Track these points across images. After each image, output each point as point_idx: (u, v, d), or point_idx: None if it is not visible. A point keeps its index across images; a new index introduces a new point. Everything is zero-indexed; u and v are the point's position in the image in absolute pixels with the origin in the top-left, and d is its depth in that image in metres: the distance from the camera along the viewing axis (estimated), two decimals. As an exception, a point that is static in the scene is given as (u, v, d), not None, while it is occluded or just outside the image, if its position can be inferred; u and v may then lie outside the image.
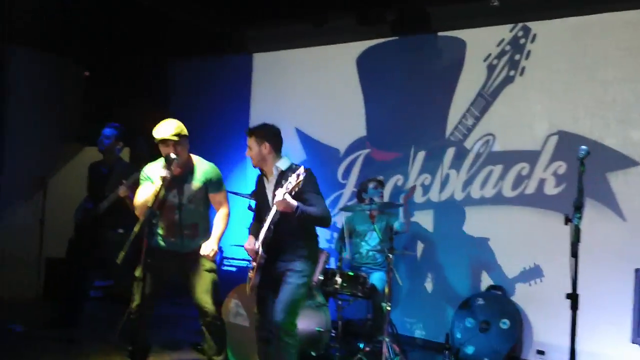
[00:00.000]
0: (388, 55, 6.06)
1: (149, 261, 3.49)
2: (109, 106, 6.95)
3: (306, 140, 6.51)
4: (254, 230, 3.92)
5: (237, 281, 4.99)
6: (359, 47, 6.21)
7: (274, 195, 3.66)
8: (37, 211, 5.42)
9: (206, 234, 4.09)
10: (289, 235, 3.71)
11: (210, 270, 4.05)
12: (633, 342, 4.02)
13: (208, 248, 3.98)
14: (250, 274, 3.78)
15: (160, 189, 3.68)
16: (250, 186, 6.30)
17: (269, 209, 3.74)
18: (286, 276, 3.72)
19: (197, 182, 4.02)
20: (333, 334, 4.85)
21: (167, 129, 3.90)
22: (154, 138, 3.95)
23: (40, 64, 6.86)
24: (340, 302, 4.93)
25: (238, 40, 7.00)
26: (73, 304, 5.48)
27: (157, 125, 3.95)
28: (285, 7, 6.09)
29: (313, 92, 6.52)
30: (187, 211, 3.99)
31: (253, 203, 5.58)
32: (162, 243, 4.03)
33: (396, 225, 5.13)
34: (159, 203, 3.80)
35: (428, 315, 5.64)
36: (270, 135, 3.83)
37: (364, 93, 6.17)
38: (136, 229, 3.53)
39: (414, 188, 5.55)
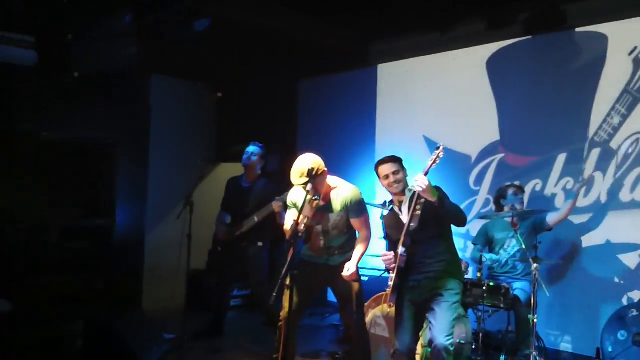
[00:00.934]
0: (520, 55, 5.81)
1: (296, 272, 3.57)
2: (242, 125, 7.28)
3: (435, 147, 6.38)
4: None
5: (371, 291, 4.97)
6: (488, 49, 6.01)
7: (409, 221, 3.65)
8: (184, 226, 5.76)
9: (353, 248, 4.10)
10: (432, 250, 3.69)
11: (355, 280, 4.07)
12: None
13: (347, 270, 3.96)
14: (388, 288, 3.77)
15: (301, 221, 3.73)
16: (378, 195, 6.31)
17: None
18: (440, 295, 3.67)
19: (337, 210, 4.03)
20: (473, 347, 4.69)
21: (299, 174, 3.82)
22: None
23: (177, 89, 7.34)
24: (479, 314, 4.77)
25: (362, 53, 7.08)
26: (216, 314, 5.74)
27: (292, 165, 3.91)
28: (410, 17, 6.05)
29: (440, 98, 6.40)
30: (332, 237, 4.07)
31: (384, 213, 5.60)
32: (309, 258, 4.14)
33: (548, 218, 4.89)
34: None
35: (575, 327, 5.29)
36: None
37: (495, 96, 5.95)
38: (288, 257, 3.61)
39: (587, 180, 5.14)
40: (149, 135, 7.09)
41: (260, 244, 5.44)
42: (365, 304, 4.72)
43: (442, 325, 3.60)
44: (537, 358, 4.25)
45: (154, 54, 6.62)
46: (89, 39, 5.85)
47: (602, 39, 5.26)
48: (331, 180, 4.08)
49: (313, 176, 3.78)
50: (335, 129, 7.32)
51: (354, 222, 4.09)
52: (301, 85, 7.88)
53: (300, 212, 3.68)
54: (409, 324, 3.78)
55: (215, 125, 7.82)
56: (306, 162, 3.85)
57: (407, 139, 6.48)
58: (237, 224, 5.50)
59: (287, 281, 3.79)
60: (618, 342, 4.80)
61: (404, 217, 3.77)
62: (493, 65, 6.00)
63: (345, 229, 4.10)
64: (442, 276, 3.70)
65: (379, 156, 6.81)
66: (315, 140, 7.43)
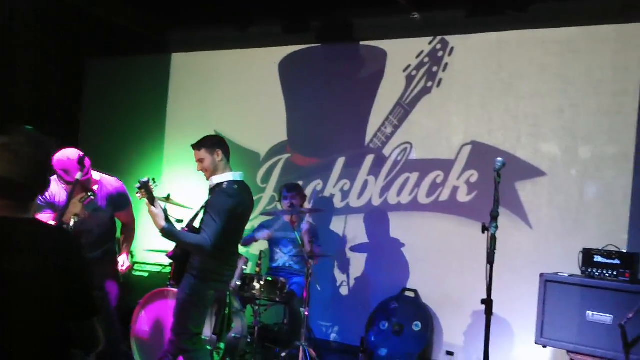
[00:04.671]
0: (310, 61, 6.07)
1: None
2: (17, 107, 6.51)
3: (226, 143, 6.38)
4: None
5: (149, 287, 4.85)
6: (281, 51, 6.19)
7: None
8: None
9: (112, 240, 4.00)
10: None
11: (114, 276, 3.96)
12: (537, 343, 4.19)
13: (123, 264, 3.92)
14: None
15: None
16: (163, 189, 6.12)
17: None
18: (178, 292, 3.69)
19: (103, 207, 3.84)
20: (249, 340, 4.78)
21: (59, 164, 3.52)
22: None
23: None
24: (257, 308, 4.87)
25: (158, 40, 6.82)
26: None
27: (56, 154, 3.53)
28: (209, 9, 5.98)
29: (234, 95, 6.42)
30: (96, 234, 3.82)
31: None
32: None
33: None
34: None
35: (344, 319, 5.68)
36: (221, 143, 3.76)
37: (285, 98, 6.15)
38: None
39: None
40: None
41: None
42: (140, 302, 4.55)
43: (173, 321, 3.63)
44: (307, 349, 4.45)
45: None
46: None
47: (382, 54, 5.71)
48: (96, 176, 3.84)
49: (85, 166, 3.52)
50: (123, 117, 6.97)
51: (121, 215, 4.00)
52: (89, 66, 7.35)
53: (65, 211, 3.40)
54: None
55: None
56: (74, 152, 3.57)
57: (198, 132, 6.33)
58: None
59: None
60: (380, 332, 5.25)
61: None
62: (285, 68, 6.19)
63: (109, 224, 3.94)
64: (187, 273, 3.63)
65: (168, 147, 6.75)
66: (100, 127, 7.01)
